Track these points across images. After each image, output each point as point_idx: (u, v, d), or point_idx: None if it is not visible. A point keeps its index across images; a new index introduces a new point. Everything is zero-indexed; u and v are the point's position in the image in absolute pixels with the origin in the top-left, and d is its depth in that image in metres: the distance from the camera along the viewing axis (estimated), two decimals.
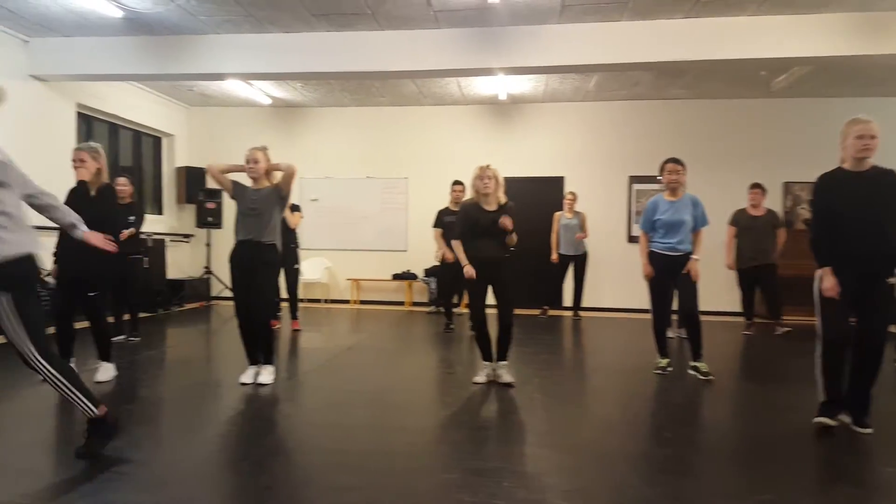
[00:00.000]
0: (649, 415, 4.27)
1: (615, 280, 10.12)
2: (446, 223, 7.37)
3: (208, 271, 10.38)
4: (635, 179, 10.25)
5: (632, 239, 10.25)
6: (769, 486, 2.89)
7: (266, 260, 4.73)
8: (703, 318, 5.18)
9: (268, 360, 4.91)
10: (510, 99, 10.14)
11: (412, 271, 10.47)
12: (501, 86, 9.08)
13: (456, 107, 10.59)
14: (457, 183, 7.63)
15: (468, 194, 5.08)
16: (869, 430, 3.63)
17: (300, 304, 7.83)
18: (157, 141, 10.70)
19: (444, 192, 8.07)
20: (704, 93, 9.77)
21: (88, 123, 9.03)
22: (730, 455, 3.41)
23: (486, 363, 4.96)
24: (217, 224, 10.32)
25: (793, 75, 8.49)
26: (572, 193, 9.20)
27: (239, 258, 4.76)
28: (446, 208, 7.66)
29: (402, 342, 7.16)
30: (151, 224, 9.83)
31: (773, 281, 7.57)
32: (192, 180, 10.60)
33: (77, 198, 4.48)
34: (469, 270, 4.74)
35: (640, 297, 9.71)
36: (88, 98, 8.69)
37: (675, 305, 5.22)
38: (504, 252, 4.80)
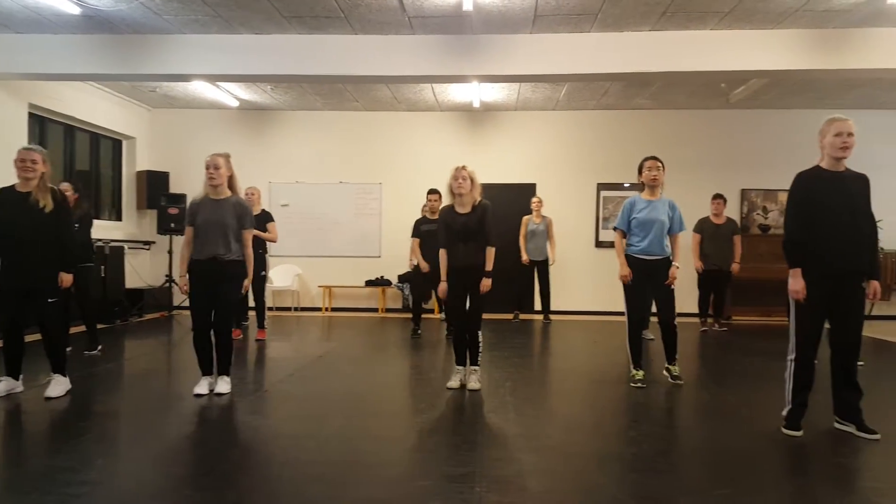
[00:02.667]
0: (618, 416, 4.33)
1: (584, 284, 10.29)
2: (423, 232, 7.29)
3: (170, 280, 10.17)
4: (603, 186, 10.45)
5: (599, 244, 10.43)
6: (728, 482, 2.98)
7: (231, 275, 4.68)
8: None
9: (225, 371, 4.77)
10: (483, 106, 10.22)
11: (386, 277, 10.43)
12: (475, 93, 9.14)
13: (431, 113, 10.63)
14: (432, 192, 7.44)
15: (445, 201, 5.05)
16: (877, 436, 3.61)
17: (268, 313, 7.71)
18: (116, 144, 10.44)
19: (419, 198, 8.05)
20: (668, 103, 10.00)
21: (42, 125, 8.73)
22: (691, 453, 3.51)
23: (460, 367, 4.97)
24: (180, 230, 10.09)
25: (750, 87, 8.78)
26: (538, 198, 9.39)
27: (199, 274, 4.64)
28: (423, 217, 7.56)
29: (375, 349, 7.12)
30: (109, 231, 9.63)
31: (726, 285, 8.30)
32: (153, 185, 10.35)
33: (21, 206, 4.35)
34: (442, 287, 4.79)
35: (607, 300, 10.00)
36: (42, 98, 8.41)
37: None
38: (480, 259, 4.79)
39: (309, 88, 9.37)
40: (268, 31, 7.21)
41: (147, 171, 10.47)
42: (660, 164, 5.03)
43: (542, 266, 9.31)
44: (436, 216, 7.03)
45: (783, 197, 10.15)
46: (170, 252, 10.12)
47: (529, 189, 10.43)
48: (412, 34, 7.18)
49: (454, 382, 4.90)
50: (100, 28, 7.17)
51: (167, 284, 10.14)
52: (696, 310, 8.50)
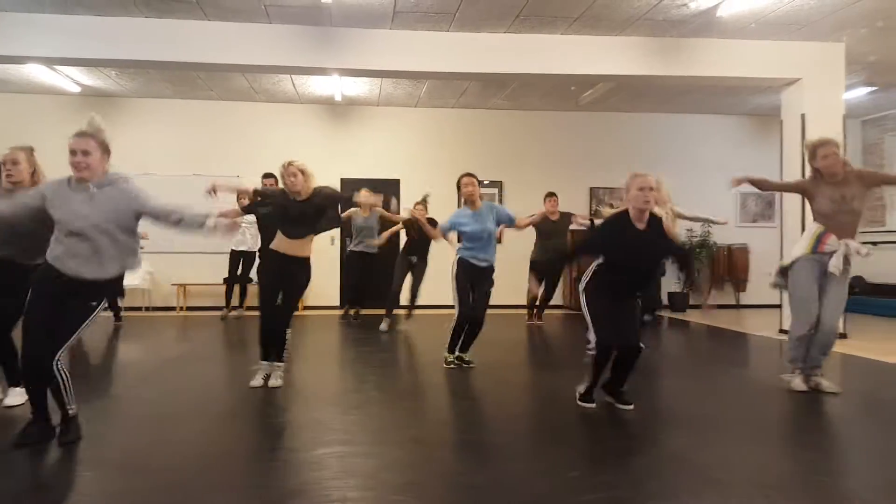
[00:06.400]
0: (478, 406, 4.53)
1: (442, 279, 10.45)
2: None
3: None
4: None
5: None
6: (576, 464, 3.20)
7: None
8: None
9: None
10: (346, 101, 10.15)
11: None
12: (337, 87, 9.04)
13: (291, 105, 10.40)
14: (267, 176, 7.33)
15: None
16: (630, 406, 4.06)
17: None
18: None
19: None
20: (523, 104, 10.45)
21: None
22: (539, 437, 3.74)
23: (264, 363, 4.84)
24: None
25: (598, 91, 9.36)
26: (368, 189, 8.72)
27: None
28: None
29: (235, 349, 6.88)
30: None
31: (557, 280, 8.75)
32: None
33: None
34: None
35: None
36: None
37: None
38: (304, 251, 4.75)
39: (157, 75, 8.83)
40: (110, 13, 6.74)
41: None
42: (475, 180, 5.42)
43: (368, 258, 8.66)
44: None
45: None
46: None
47: (395, 185, 10.49)
48: (269, 23, 7.00)
49: (257, 381, 4.75)
50: None
51: None
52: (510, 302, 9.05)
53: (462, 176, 5.47)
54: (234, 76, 8.82)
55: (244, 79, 8.96)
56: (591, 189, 10.97)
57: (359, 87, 9.41)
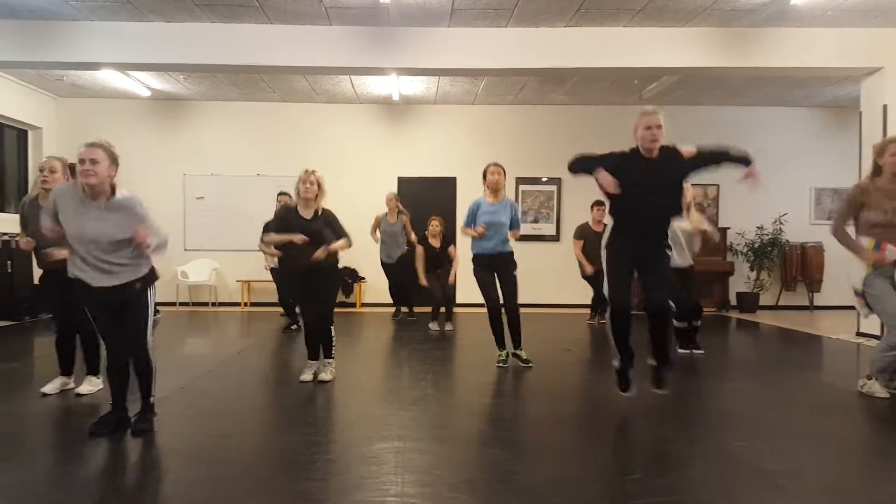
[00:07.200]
0: (535, 404, 4.45)
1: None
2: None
3: None
4: (521, 181, 10.59)
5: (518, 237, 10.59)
6: (635, 467, 3.14)
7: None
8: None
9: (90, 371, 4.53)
10: (403, 100, 10.20)
11: None
12: (395, 86, 9.11)
13: (350, 105, 10.53)
14: (282, 194, 7.59)
15: None
16: (661, 392, 3.98)
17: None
18: (21, 134, 9.89)
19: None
20: (583, 99, 10.25)
21: None
22: (597, 438, 3.64)
23: (313, 362, 4.96)
24: None
25: (662, 84, 9.08)
26: (393, 194, 8.75)
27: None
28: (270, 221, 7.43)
29: (295, 345, 7.00)
30: (15, 224, 9.10)
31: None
32: None
33: None
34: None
35: (533, 293, 10.09)
36: None
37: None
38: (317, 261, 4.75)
39: (223, 78, 9.11)
40: (179, 19, 6.99)
41: None
42: (501, 170, 5.52)
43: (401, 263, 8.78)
44: None
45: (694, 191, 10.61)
46: None
47: (451, 183, 10.50)
48: (329, 25, 7.11)
49: (307, 376, 4.87)
50: (0, 13, 6.78)
51: None
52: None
53: (490, 165, 5.55)
54: (295, 78, 9.00)
55: (305, 80, 9.13)
56: None
57: (416, 86, 9.45)
